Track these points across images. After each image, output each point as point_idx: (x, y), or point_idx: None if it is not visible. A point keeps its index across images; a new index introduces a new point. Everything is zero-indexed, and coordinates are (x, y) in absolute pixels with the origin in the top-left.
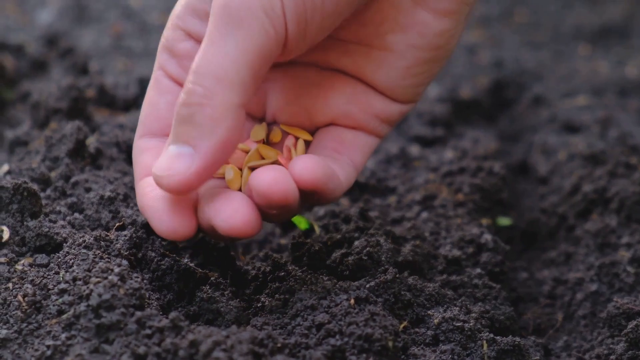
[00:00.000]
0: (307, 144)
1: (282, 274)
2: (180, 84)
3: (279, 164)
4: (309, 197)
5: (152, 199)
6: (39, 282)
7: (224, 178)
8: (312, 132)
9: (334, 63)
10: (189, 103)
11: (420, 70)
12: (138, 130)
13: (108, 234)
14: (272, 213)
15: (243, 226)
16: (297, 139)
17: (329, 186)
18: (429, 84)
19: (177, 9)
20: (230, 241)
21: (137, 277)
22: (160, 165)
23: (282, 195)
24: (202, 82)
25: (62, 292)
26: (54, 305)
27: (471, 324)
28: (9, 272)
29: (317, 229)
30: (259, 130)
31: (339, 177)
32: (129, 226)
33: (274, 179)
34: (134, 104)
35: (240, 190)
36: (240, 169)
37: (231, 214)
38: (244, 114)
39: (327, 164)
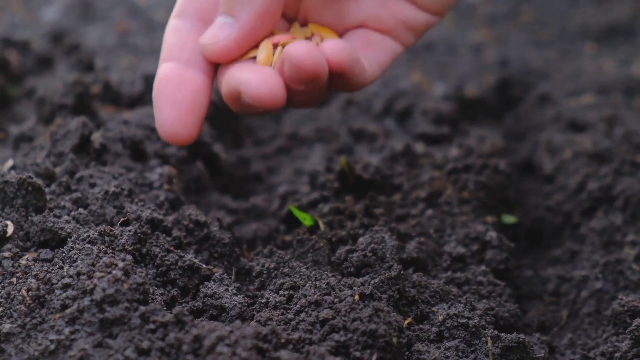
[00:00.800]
0: None
1: (287, 270)
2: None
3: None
4: (336, 78)
5: (163, 93)
6: (43, 277)
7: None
8: (341, 36)
9: None
10: None
11: None
12: (174, 10)
13: (112, 229)
14: (300, 89)
15: (269, 94)
16: (322, 38)
17: (355, 69)
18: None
19: None
20: (253, 112)
21: (141, 272)
22: (206, 35)
23: (313, 66)
24: None
25: (66, 286)
26: (57, 300)
27: (475, 320)
28: (13, 266)
29: (322, 226)
30: (294, 28)
31: (364, 66)
32: (134, 221)
33: (307, 50)
34: (140, 100)
35: None
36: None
37: (260, 81)
38: None
39: (354, 49)
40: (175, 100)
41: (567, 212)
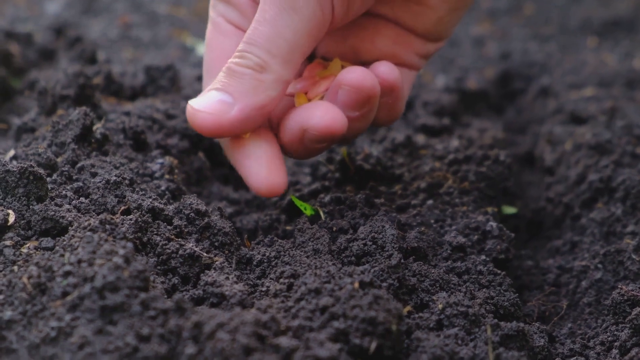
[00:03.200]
0: None
1: (287, 258)
2: (242, 29)
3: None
4: (387, 100)
5: (246, 154)
6: (44, 265)
7: None
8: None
9: (376, 11)
10: (244, 65)
11: (450, 17)
12: (204, 81)
13: (113, 217)
14: (354, 116)
15: (334, 123)
16: None
17: (404, 91)
18: (459, 21)
19: None
20: (317, 149)
21: (142, 260)
22: (198, 101)
23: (371, 86)
24: (257, 53)
25: (67, 274)
26: (58, 287)
27: (475, 309)
28: (14, 255)
29: (323, 215)
30: (318, 61)
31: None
32: (135, 210)
33: (363, 74)
34: (142, 92)
35: None
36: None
37: (323, 113)
38: (286, 89)
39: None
40: (261, 162)
41: (568, 203)
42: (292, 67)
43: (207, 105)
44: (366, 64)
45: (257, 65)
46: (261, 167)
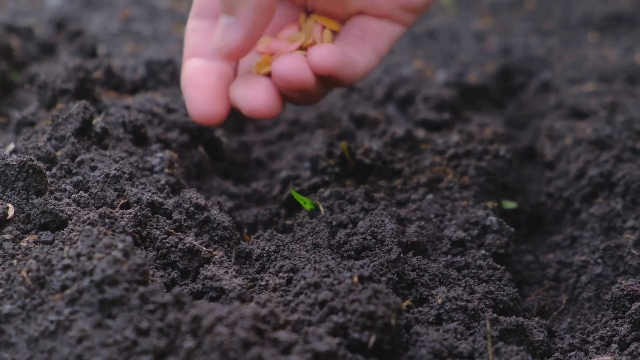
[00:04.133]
0: (336, 34)
1: (286, 252)
2: None
3: (305, 47)
4: (327, 81)
5: (191, 81)
6: (43, 258)
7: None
8: (344, 22)
9: None
10: None
11: None
12: (191, 11)
13: (113, 211)
14: (294, 97)
15: (262, 108)
16: (324, 28)
17: (344, 72)
18: None
19: None
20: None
21: (141, 254)
22: (215, 37)
23: (298, 80)
24: None
25: (66, 267)
26: (57, 281)
27: (475, 303)
28: (13, 248)
29: (322, 210)
30: (300, 20)
31: (357, 63)
32: (134, 204)
33: (291, 65)
34: (142, 86)
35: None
36: (270, 55)
37: (252, 96)
38: None
39: (343, 51)
40: (203, 85)
41: (568, 198)
42: None
43: (221, 38)
44: (351, 14)
45: None
46: (201, 96)
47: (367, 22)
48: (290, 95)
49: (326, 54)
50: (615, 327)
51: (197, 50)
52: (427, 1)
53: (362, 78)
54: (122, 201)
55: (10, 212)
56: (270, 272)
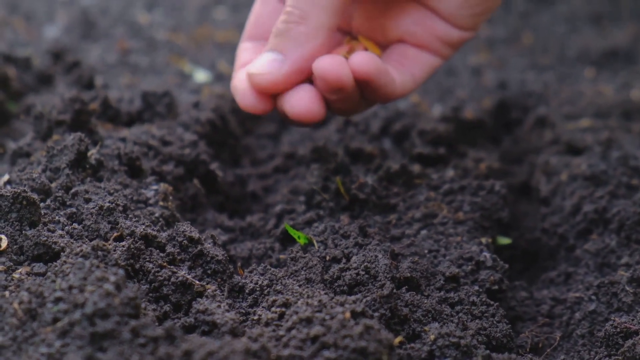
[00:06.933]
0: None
1: (279, 287)
2: (282, 1)
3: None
4: (365, 88)
5: (242, 82)
6: (35, 290)
7: None
8: (385, 49)
9: None
10: (288, 21)
11: (476, 2)
12: (243, 35)
13: (106, 244)
14: (333, 99)
15: (306, 112)
16: (366, 49)
17: (381, 80)
18: (487, 16)
19: None
20: (301, 126)
21: (133, 287)
22: (255, 65)
23: (337, 78)
24: (299, 6)
25: (58, 300)
26: (49, 313)
27: (467, 340)
28: (6, 280)
29: (316, 244)
30: (346, 40)
31: (394, 78)
32: (128, 237)
33: (331, 63)
34: (138, 118)
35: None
36: None
37: (297, 101)
38: (331, 35)
39: (382, 62)
40: (250, 90)
41: (563, 234)
42: (333, 14)
43: (260, 67)
44: (392, 43)
45: (298, 18)
46: (249, 92)
47: (406, 49)
48: (331, 96)
49: (366, 58)
50: None
51: (247, 63)
52: (462, 36)
53: (399, 98)
54: (115, 234)
55: (4, 244)
56: (263, 307)
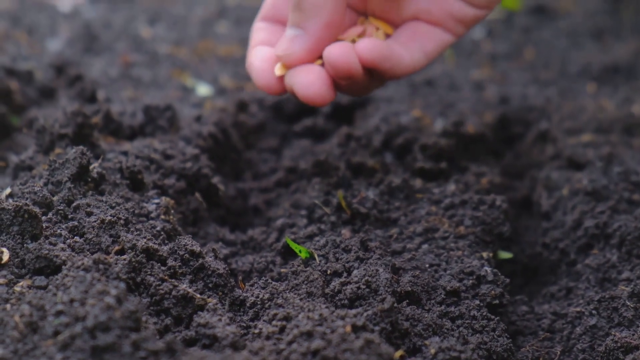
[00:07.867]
0: (389, 36)
1: (280, 300)
2: None
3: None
4: (374, 72)
5: (258, 61)
6: (36, 303)
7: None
8: (398, 27)
9: None
10: None
11: None
12: (258, 15)
13: (107, 257)
14: (343, 84)
15: (316, 94)
16: (377, 28)
17: (387, 64)
18: None
19: None
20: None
21: (134, 300)
22: (280, 47)
23: (346, 66)
24: None
25: (59, 313)
26: (50, 327)
27: (468, 354)
28: (7, 293)
29: (317, 258)
30: (359, 21)
31: (402, 59)
32: (129, 250)
33: (340, 52)
34: (140, 131)
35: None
36: None
37: (307, 83)
38: (345, 3)
39: (388, 46)
40: (265, 70)
41: (564, 248)
42: None
43: (285, 48)
44: (406, 20)
45: None
46: (264, 72)
47: (419, 26)
48: (340, 82)
49: (370, 45)
50: None
51: (262, 42)
52: (477, 15)
53: (410, 74)
54: (116, 247)
55: (5, 257)
56: (263, 320)
